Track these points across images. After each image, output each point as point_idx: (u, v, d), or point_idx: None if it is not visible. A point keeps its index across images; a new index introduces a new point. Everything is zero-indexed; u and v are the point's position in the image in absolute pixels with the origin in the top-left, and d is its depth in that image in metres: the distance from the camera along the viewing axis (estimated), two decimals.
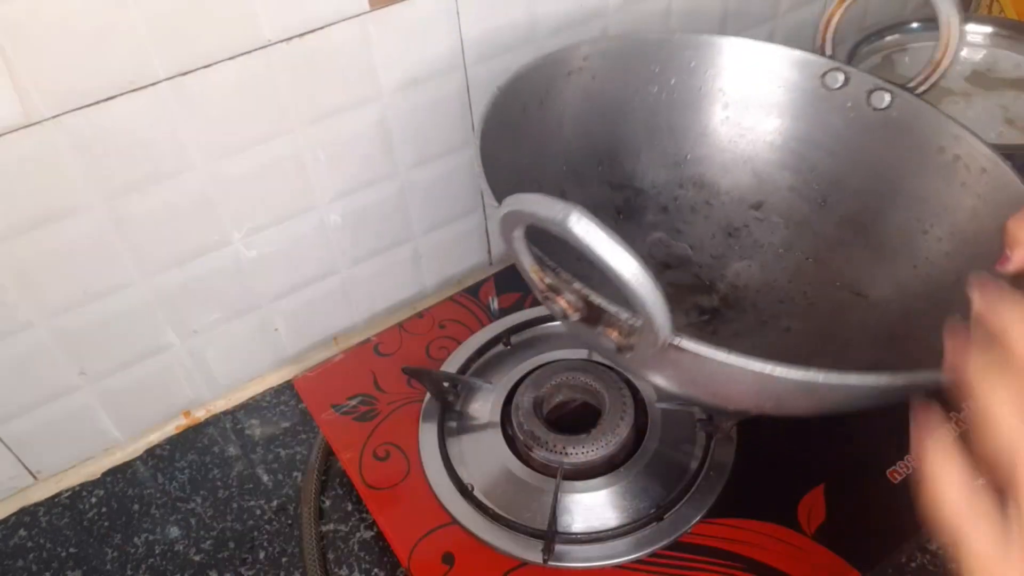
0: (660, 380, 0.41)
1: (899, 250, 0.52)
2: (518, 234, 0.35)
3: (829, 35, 0.54)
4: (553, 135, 0.54)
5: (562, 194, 0.52)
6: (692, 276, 0.55)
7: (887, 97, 0.52)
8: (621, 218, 0.57)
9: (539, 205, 0.31)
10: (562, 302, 0.37)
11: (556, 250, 0.35)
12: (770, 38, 0.78)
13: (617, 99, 0.56)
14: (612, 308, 0.35)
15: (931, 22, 0.72)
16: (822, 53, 0.55)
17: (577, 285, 0.36)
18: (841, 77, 0.54)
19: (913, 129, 0.51)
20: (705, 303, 0.54)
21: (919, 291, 0.50)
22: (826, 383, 0.33)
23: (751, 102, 0.57)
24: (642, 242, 0.57)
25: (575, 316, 0.37)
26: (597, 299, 0.35)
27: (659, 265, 0.56)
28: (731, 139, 0.58)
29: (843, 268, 0.55)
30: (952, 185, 0.49)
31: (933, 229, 0.50)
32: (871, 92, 0.53)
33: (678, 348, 0.34)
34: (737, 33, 0.75)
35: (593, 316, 0.37)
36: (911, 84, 0.52)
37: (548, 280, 0.38)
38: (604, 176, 0.57)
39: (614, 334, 0.36)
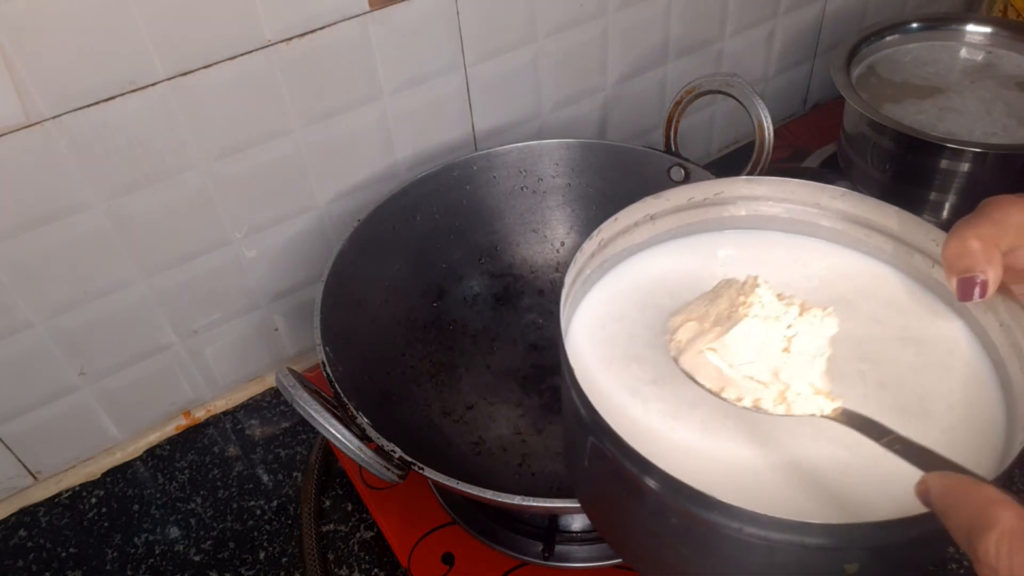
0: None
1: None
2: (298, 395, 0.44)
3: (672, 134, 0.59)
4: (429, 244, 0.61)
5: (440, 292, 0.61)
6: (556, 358, 0.59)
7: None
8: (500, 304, 0.63)
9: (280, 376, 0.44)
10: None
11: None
12: (770, 38, 0.78)
13: (494, 200, 0.62)
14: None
15: (931, 22, 0.73)
16: (667, 150, 0.60)
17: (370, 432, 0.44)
18: (682, 172, 0.59)
19: None
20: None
21: None
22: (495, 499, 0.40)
23: (613, 194, 0.62)
24: (516, 325, 0.62)
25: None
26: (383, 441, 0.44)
27: (528, 347, 0.60)
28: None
29: None
30: None
31: None
32: None
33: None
34: (737, 32, 0.75)
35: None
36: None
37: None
38: (485, 268, 0.64)
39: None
